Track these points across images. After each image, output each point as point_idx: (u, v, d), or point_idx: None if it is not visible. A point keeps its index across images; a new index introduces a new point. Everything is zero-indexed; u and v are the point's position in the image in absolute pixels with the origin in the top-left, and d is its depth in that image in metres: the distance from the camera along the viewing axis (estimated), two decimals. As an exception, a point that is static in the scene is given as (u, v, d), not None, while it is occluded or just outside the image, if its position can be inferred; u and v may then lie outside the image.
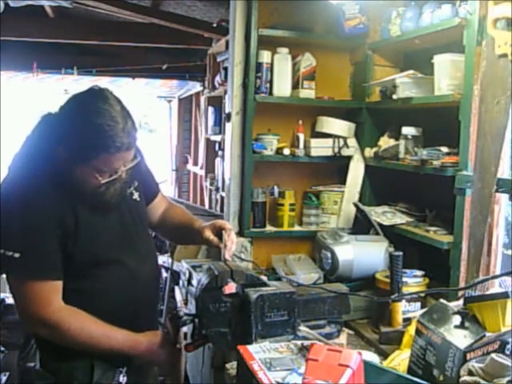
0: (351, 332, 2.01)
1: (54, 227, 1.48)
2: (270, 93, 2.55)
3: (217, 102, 4.44)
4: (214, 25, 4.15)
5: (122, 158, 1.49)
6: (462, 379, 1.29)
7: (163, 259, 3.75)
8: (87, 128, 1.43)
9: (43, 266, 1.48)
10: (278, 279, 2.26)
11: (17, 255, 1.43)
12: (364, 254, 2.20)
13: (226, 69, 3.65)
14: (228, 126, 2.64)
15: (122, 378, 1.60)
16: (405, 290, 1.91)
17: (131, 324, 1.57)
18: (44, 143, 1.53)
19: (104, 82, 5.60)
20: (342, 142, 2.60)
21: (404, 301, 1.92)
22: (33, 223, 1.46)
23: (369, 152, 2.54)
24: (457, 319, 1.37)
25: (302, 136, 2.61)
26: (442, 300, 1.49)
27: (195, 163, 5.99)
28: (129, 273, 1.61)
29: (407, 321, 1.82)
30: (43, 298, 1.47)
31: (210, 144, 4.93)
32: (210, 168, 4.87)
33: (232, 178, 2.59)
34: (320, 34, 2.64)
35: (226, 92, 3.19)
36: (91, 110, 1.44)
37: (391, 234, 2.26)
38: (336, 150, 2.60)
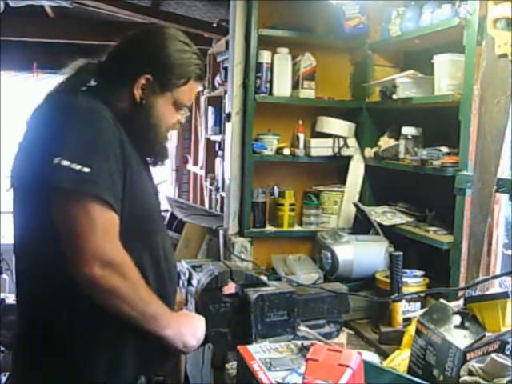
0: (351, 332, 2.01)
1: (117, 154, 1.26)
2: (270, 93, 2.55)
3: (217, 102, 4.44)
4: (214, 25, 4.15)
5: (195, 91, 1.45)
6: (462, 379, 1.29)
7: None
8: (181, 51, 1.40)
9: (113, 189, 1.23)
10: (278, 279, 2.26)
11: (86, 169, 1.18)
12: (364, 254, 2.20)
13: (226, 69, 3.65)
14: (228, 126, 2.64)
15: None
16: (405, 290, 1.91)
17: None
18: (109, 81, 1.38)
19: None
20: (342, 141, 2.60)
21: (404, 301, 1.92)
22: (102, 139, 1.24)
23: (369, 152, 2.54)
24: (457, 319, 1.37)
25: (301, 136, 2.61)
26: (442, 300, 1.49)
27: (195, 163, 5.98)
28: (162, 251, 1.43)
29: (407, 321, 1.82)
30: (110, 230, 1.23)
31: (210, 144, 4.92)
32: (210, 168, 4.86)
33: (232, 178, 2.59)
34: (320, 34, 2.64)
35: (226, 92, 3.19)
36: (178, 35, 1.43)
37: (391, 234, 2.26)
38: (336, 149, 2.60)
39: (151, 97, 1.37)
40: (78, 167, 1.18)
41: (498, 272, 1.84)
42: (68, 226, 1.20)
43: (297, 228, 2.67)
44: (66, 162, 1.18)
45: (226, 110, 2.69)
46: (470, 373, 1.31)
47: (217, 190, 4.30)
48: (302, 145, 2.60)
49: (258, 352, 1.37)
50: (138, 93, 1.36)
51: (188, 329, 1.37)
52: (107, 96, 1.36)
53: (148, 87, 1.36)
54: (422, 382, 1.27)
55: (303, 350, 1.39)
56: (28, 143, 1.30)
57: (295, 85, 2.58)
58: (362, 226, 2.42)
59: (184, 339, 1.35)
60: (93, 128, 1.24)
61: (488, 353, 1.31)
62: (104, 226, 1.21)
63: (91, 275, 1.18)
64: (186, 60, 1.40)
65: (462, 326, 1.35)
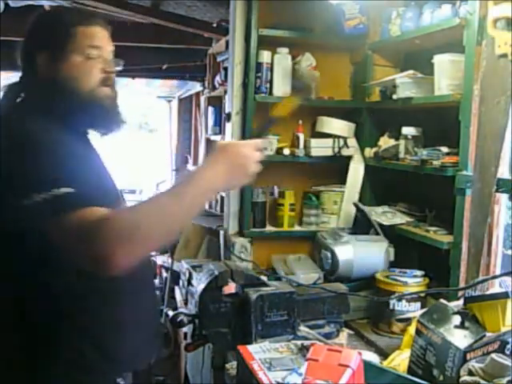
0: (351, 332, 2.01)
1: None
2: (270, 93, 2.55)
3: (217, 102, 4.44)
4: (214, 25, 4.16)
5: (96, 33, 1.35)
6: (462, 379, 1.29)
7: (163, 259, 3.75)
8: (54, 13, 1.43)
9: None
10: (278, 279, 2.26)
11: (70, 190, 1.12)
12: (364, 254, 2.19)
13: (226, 69, 3.65)
14: (228, 126, 2.63)
15: None
16: (405, 290, 1.91)
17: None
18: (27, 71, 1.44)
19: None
20: (342, 141, 2.60)
21: (404, 301, 1.92)
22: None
23: (369, 152, 2.54)
24: (457, 319, 1.37)
25: (301, 136, 2.61)
26: (442, 300, 1.49)
27: (195, 163, 5.99)
28: None
29: (407, 321, 1.82)
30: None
31: (210, 144, 4.92)
32: (210, 168, 4.86)
33: (232, 178, 2.58)
34: (320, 34, 2.64)
35: (225, 92, 3.19)
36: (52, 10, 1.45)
37: (391, 234, 2.26)
38: (336, 149, 2.60)
39: (55, 66, 1.34)
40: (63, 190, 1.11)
41: (498, 272, 1.84)
42: (71, 246, 1.13)
43: (297, 228, 2.67)
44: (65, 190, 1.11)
45: (226, 110, 2.69)
46: (470, 373, 1.31)
47: (217, 189, 4.30)
48: (302, 145, 2.60)
49: (258, 352, 1.37)
50: (42, 71, 1.35)
51: (233, 169, 1.32)
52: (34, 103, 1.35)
53: (47, 60, 1.35)
54: (422, 382, 1.27)
55: (303, 350, 1.39)
56: None
57: (295, 85, 2.58)
58: (362, 226, 2.41)
59: (236, 177, 1.33)
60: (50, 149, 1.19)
61: (488, 353, 1.31)
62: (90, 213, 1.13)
63: (112, 247, 1.07)
64: (62, 16, 1.40)
65: (462, 326, 1.35)
